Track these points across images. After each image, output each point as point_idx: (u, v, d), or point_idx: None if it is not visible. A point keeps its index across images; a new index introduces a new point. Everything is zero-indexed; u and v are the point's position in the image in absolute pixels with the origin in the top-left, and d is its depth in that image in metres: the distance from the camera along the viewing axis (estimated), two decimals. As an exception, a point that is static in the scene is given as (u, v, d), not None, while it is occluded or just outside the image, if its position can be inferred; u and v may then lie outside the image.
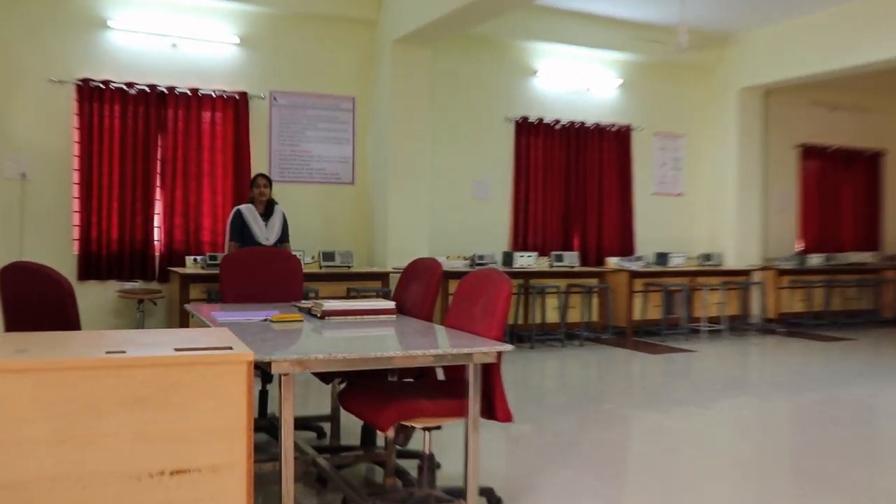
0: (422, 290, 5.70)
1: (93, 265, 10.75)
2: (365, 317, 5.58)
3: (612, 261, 14.21)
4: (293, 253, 9.06)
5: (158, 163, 11.07)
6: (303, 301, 6.26)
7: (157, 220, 11.19)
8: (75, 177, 10.67)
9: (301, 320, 5.48)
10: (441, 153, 13.10)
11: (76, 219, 10.69)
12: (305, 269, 10.99)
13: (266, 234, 9.53)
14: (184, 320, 10.07)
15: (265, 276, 6.58)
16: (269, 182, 9.73)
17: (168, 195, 11.20)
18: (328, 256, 11.60)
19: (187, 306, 6.17)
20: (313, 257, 11.83)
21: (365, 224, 12.48)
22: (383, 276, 11.57)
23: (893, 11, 12.25)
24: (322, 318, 5.60)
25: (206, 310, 5.76)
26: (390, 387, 5.00)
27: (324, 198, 12.23)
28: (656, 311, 13.90)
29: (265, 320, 5.38)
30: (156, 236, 11.13)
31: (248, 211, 9.57)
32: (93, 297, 10.68)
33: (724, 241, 15.22)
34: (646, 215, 14.97)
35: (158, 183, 11.13)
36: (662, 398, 9.00)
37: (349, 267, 11.59)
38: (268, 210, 9.62)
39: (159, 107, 10.96)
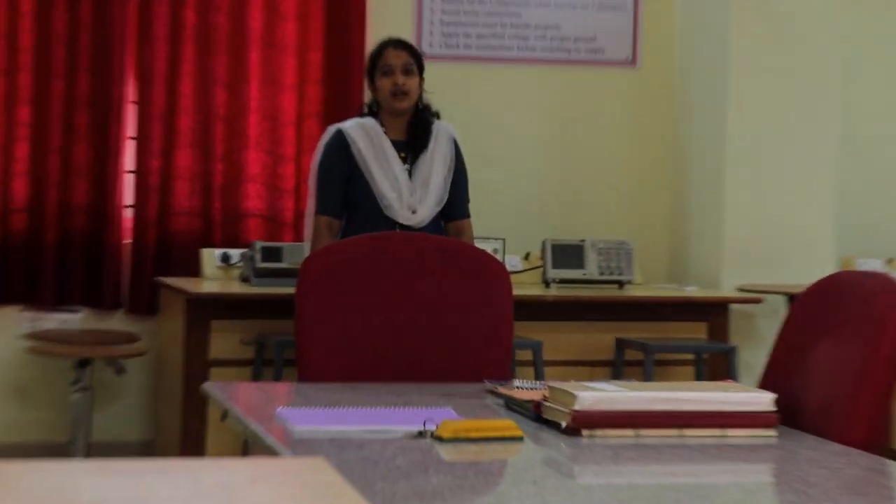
0: (851, 358, 2.08)
1: None
2: (698, 432, 2.05)
3: None
4: (483, 247, 4.39)
5: (130, 43, 5.31)
6: (515, 382, 2.52)
7: (129, 173, 5.32)
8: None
9: (518, 436, 1.96)
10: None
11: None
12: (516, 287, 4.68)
13: (410, 193, 4.44)
14: (194, 418, 4.70)
15: (414, 306, 2.64)
16: (418, 61, 4.56)
17: (159, 114, 5.33)
18: (566, 255, 5.49)
19: (209, 387, 2.37)
20: (527, 257, 5.69)
21: (659, 183, 6.12)
22: (714, 310, 5.45)
23: None
24: (572, 430, 2.04)
25: (260, 396, 2.21)
26: None
27: (557, 112, 5.95)
28: None
29: (419, 433, 1.87)
30: (126, 205, 5.35)
31: (364, 135, 4.47)
32: None
33: None
34: None
35: (132, 94, 5.33)
36: None
37: (621, 283, 5.48)
38: (415, 131, 4.53)
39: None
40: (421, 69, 4.58)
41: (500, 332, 2.81)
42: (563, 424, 2.12)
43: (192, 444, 4.51)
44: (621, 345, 5.06)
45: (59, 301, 5.18)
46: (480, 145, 5.54)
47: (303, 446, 1.97)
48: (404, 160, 4.49)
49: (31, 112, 5.15)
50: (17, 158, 5.12)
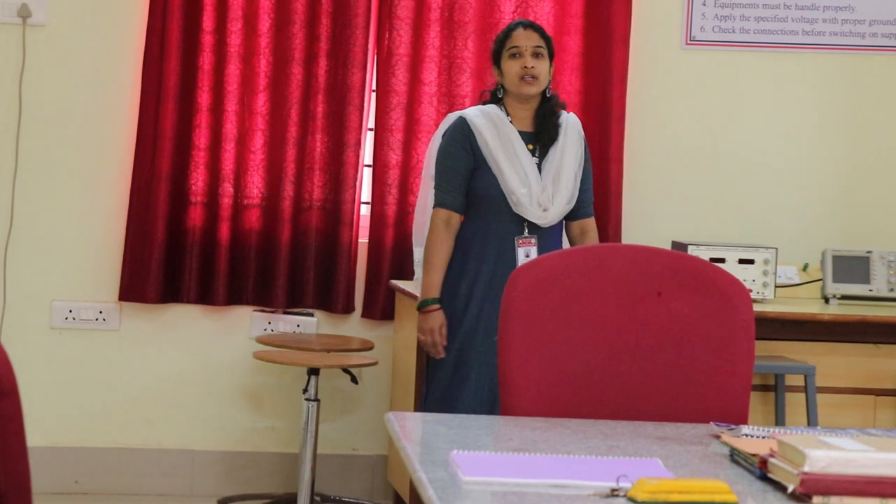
0: None
1: (179, 263, 5.09)
2: None
3: None
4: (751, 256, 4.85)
5: (372, 26, 5.19)
6: (744, 429, 2.25)
7: (366, 167, 5.27)
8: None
9: (730, 502, 1.71)
10: None
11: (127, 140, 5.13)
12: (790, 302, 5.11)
13: (542, 189, 4.30)
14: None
15: (636, 330, 2.41)
16: (549, 45, 4.42)
17: (400, 103, 5.19)
18: (850, 268, 5.07)
19: (392, 417, 2.17)
20: (806, 269, 5.25)
21: None
22: None
23: None
24: (801, 496, 1.77)
25: (442, 432, 2.04)
26: None
27: (843, 105, 5.46)
28: None
29: (611, 492, 1.65)
30: (363, 201, 5.29)
31: (489, 124, 4.33)
32: (161, 342, 5.17)
33: None
34: None
35: (371, 81, 5.24)
36: None
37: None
38: (544, 122, 4.38)
39: None
40: (551, 54, 4.45)
41: (737, 367, 2.52)
42: (791, 488, 1.85)
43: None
44: (912, 374, 4.65)
45: (291, 303, 5.14)
46: (753, 141, 5.31)
47: (468, 501, 1.78)
48: (532, 152, 4.37)
49: (268, 100, 5.11)
50: (251, 150, 5.10)
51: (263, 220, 5.14)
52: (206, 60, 5.07)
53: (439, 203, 4.35)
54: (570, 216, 4.42)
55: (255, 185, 5.13)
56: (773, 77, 5.41)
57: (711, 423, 2.34)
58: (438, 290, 4.28)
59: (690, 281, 2.55)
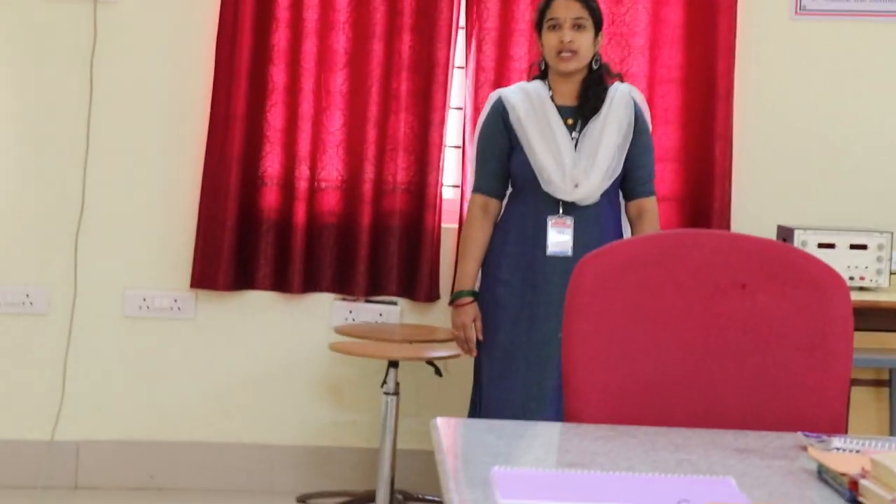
0: None
1: (252, 248, 4.95)
2: None
3: None
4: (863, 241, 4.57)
5: None
6: (835, 441, 2.01)
7: (452, 147, 5.12)
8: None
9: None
10: None
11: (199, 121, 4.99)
12: (883, 297, 4.59)
13: (574, 164, 4.09)
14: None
15: (718, 327, 2.21)
16: (594, 14, 4.18)
17: (488, 80, 4.97)
18: None
19: (438, 423, 1.95)
20: None
21: None
22: None
23: None
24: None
25: (491, 442, 1.84)
26: None
27: None
28: None
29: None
30: (448, 184, 5.12)
31: (525, 100, 4.19)
32: (244, 326, 5.06)
33: None
34: None
35: (459, 57, 5.06)
36: None
37: None
38: (587, 95, 4.19)
39: None
40: (598, 24, 4.20)
41: (832, 370, 2.27)
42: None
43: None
44: None
45: (372, 290, 4.97)
46: (868, 118, 5.02)
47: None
48: (572, 127, 4.17)
49: (346, 78, 4.94)
50: (329, 130, 4.93)
51: (343, 203, 4.97)
52: (281, 37, 4.90)
53: (476, 188, 4.24)
54: (627, 195, 4.22)
55: (334, 167, 4.96)
56: (890, 49, 5.05)
57: (799, 432, 2.09)
58: (473, 281, 4.14)
59: (779, 271, 2.30)
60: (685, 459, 1.94)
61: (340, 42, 4.92)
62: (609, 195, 4.17)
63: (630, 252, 2.39)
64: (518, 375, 4.05)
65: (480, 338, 4.12)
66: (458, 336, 4.15)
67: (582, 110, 4.16)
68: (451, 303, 4.20)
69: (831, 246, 4.53)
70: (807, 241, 4.53)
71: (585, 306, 2.29)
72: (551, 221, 4.09)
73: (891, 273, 4.57)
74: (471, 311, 4.12)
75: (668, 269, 2.31)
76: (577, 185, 4.07)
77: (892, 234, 4.57)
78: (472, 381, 4.29)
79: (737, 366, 2.29)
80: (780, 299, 2.28)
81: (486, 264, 4.18)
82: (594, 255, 2.34)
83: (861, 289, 4.47)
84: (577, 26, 4.09)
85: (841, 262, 4.42)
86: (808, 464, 1.91)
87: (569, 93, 4.18)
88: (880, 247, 4.53)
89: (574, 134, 4.14)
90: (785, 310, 2.28)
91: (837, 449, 1.96)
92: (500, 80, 4.91)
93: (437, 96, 4.91)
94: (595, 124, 4.14)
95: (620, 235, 4.23)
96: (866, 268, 4.51)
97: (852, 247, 4.54)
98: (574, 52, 4.07)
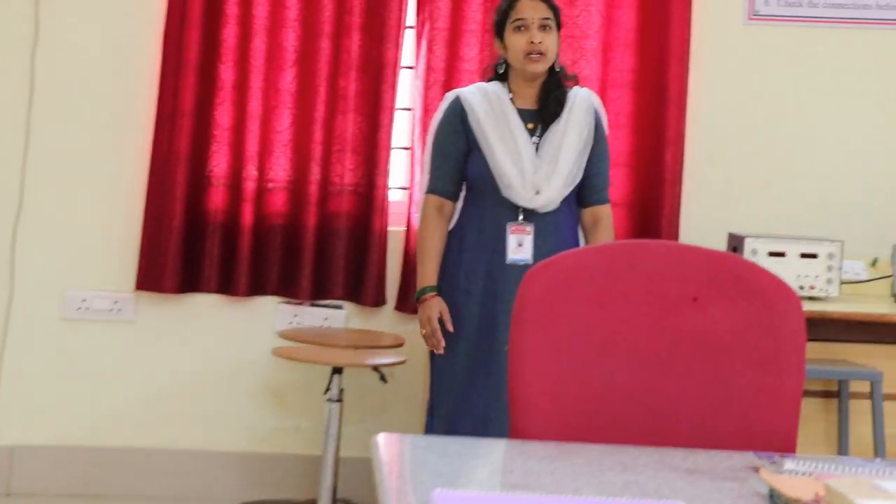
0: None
1: (198, 250, 4.88)
2: None
3: None
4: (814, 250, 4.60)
5: None
6: (787, 463, 1.96)
7: (400, 149, 5.05)
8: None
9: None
10: None
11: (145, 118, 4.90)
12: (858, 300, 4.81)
13: (535, 170, 4.05)
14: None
15: (668, 341, 2.16)
16: (556, 15, 4.16)
17: (437, 81, 4.89)
18: None
19: (380, 439, 1.86)
20: (874, 264, 4.95)
21: None
22: None
23: None
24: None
25: (432, 461, 1.78)
26: None
27: None
28: None
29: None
30: (395, 186, 5.06)
31: (485, 102, 4.15)
32: (184, 330, 4.98)
33: None
34: None
35: (408, 57, 5.03)
36: None
37: None
38: (548, 99, 4.15)
39: None
40: (559, 25, 4.19)
41: (784, 386, 2.22)
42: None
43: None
44: None
45: (318, 294, 4.89)
46: (820, 125, 5.01)
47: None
48: (532, 132, 4.14)
49: (295, 76, 4.87)
50: (277, 129, 4.87)
51: (289, 205, 4.90)
52: (230, 33, 4.83)
53: (431, 189, 4.18)
54: (582, 202, 4.18)
55: (281, 167, 4.90)
56: (844, 56, 5.04)
57: (751, 452, 2.03)
58: (435, 278, 4.09)
59: (731, 284, 2.24)
60: (633, 481, 1.88)
61: (290, 40, 4.86)
62: (568, 202, 4.14)
63: (578, 263, 2.32)
64: (478, 386, 3.98)
65: (451, 329, 4.03)
66: (426, 332, 4.08)
67: (542, 114, 4.12)
68: (417, 300, 4.14)
69: (782, 255, 4.51)
70: (757, 250, 4.52)
71: (532, 319, 2.23)
72: (511, 228, 4.05)
73: (841, 282, 4.56)
74: (435, 304, 4.05)
75: (617, 281, 2.25)
76: (538, 192, 4.03)
77: (842, 242, 4.55)
78: (430, 389, 4.22)
79: (687, 380, 2.23)
80: (731, 313, 2.23)
81: (443, 272, 4.11)
82: (541, 267, 2.28)
83: (811, 298, 4.46)
84: (544, 27, 4.07)
85: (791, 271, 4.43)
86: (760, 486, 1.85)
87: (529, 96, 4.14)
88: (831, 256, 4.51)
89: (534, 138, 4.10)
90: (736, 324, 2.23)
91: (790, 471, 1.90)
92: (451, 82, 4.86)
93: (385, 97, 4.86)
94: (556, 129, 4.10)
95: (577, 243, 4.20)
96: (817, 277, 4.49)
97: (803, 256, 4.52)
98: (543, 54, 4.05)
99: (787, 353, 2.23)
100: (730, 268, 2.29)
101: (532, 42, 4.02)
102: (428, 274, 4.09)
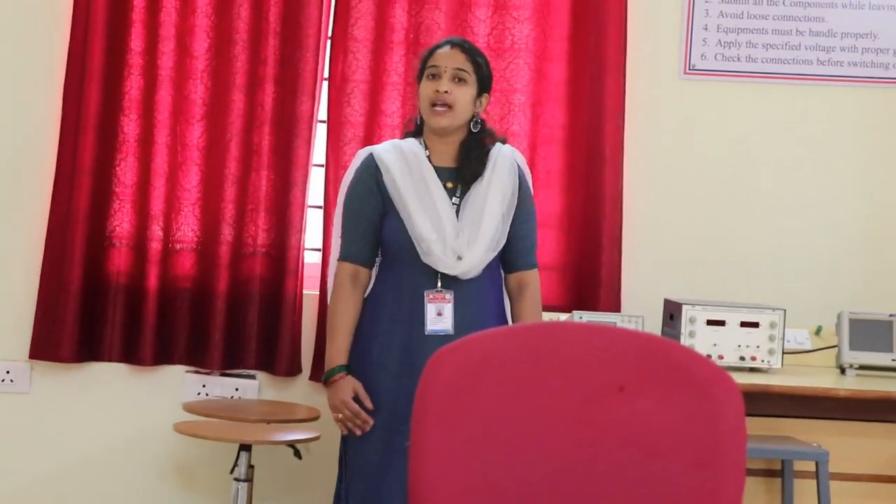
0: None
1: (99, 316, 4.77)
2: None
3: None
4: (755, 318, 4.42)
5: (324, 49, 4.84)
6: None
7: (314, 208, 4.91)
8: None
9: None
10: None
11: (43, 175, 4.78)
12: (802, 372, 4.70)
13: (456, 234, 3.86)
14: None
15: (592, 435, 2.01)
16: (479, 69, 3.93)
17: (356, 136, 4.77)
18: (870, 334, 4.74)
19: None
20: (819, 332, 4.91)
21: None
22: None
23: None
24: None
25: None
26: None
27: (864, 146, 5.08)
28: None
29: None
30: (310, 247, 4.91)
31: (400, 160, 3.94)
32: (80, 404, 4.88)
33: None
34: None
35: (323, 111, 4.84)
36: None
37: None
38: (468, 157, 3.94)
39: None
40: (482, 80, 3.94)
41: (724, 488, 1.99)
42: None
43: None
44: (945, 461, 4.29)
45: (229, 363, 4.70)
46: (760, 185, 4.95)
47: None
48: (452, 192, 3.92)
49: (204, 131, 4.71)
50: (185, 187, 4.71)
51: (198, 267, 4.72)
52: (133, 85, 4.67)
53: (344, 256, 3.92)
54: (507, 267, 3.96)
55: (190, 227, 4.72)
56: (784, 112, 4.95)
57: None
58: (345, 357, 3.81)
59: (663, 373, 2.02)
60: None
61: (198, 92, 4.69)
62: (490, 267, 3.90)
63: (491, 347, 2.08)
64: (395, 470, 3.68)
65: (370, 406, 3.76)
66: (340, 417, 3.79)
67: (462, 174, 3.88)
68: (325, 382, 3.85)
69: (721, 323, 4.36)
70: (695, 318, 4.36)
71: (437, 410, 2.00)
72: (429, 296, 3.80)
73: (784, 352, 4.42)
74: (347, 384, 3.75)
75: (534, 368, 2.03)
76: (459, 258, 3.79)
77: (784, 311, 4.39)
78: (338, 471, 3.95)
79: (613, 481, 2.00)
80: (663, 405, 2.01)
81: (356, 345, 3.84)
82: (449, 350, 2.05)
83: (752, 370, 4.32)
84: (458, 79, 3.81)
85: (731, 340, 4.32)
86: None
87: (446, 153, 3.91)
88: (773, 325, 4.36)
89: (454, 199, 3.87)
90: (669, 417, 2.01)
91: None
92: (370, 137, 4.70)
93: (300, 153, 4.69)
94: (478, 190, 3.86)
95: (502, 310, 3.97)
96: (758, 347, 4.34)
97: (743, 324, 4.37)
98: (448, 107, 3.78)
99: (727, 451, 2.01)
100: (661, 353, 2.06)
101: (437, 91, 3.79)
102: (339, 351, 3.83)
